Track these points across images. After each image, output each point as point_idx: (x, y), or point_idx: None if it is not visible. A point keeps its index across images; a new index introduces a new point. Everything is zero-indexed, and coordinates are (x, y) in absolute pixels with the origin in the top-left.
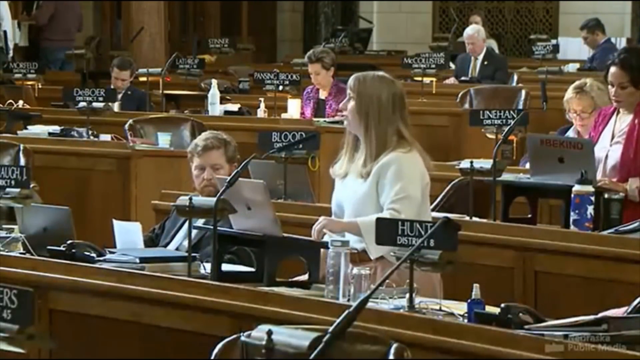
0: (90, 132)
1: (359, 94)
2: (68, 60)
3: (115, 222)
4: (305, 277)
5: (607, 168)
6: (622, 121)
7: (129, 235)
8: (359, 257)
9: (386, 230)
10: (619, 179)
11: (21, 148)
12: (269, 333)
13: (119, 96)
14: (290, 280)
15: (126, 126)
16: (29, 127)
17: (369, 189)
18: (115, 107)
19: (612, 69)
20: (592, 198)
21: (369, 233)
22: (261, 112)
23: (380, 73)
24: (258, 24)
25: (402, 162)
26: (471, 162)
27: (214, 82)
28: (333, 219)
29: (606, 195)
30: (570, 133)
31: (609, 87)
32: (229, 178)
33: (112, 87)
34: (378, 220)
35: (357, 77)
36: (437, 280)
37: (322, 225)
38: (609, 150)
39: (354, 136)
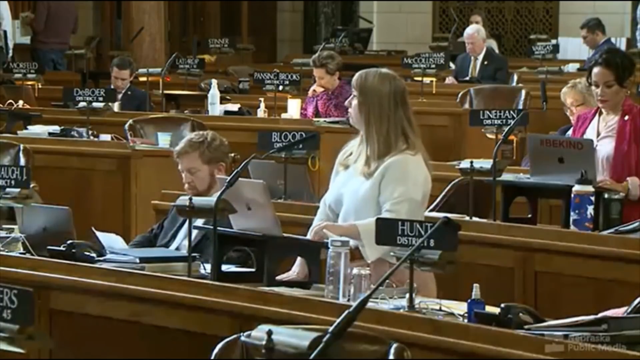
0: (90, 132)
1: (360, 91)
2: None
3: (98, 233)
4: (289, 274)
5: (598, 162)
6: (606, 120)
7: (114, 244)
8: (355, 255)
9: (386, 230)
10: (611, 173)
11: (21, 148)
12: (269, 333)
13: (119, 96)
14: (289, 279)
15: (126, 126)
16: (29, 127)
17: (371, 189)
18: (115, 107)
19: (597, 69)
20: (592, 198)
21: (367, 237)
22: (261, 112)
23: (384, 70)
24: (258, 24)
25: (409, 164)
26: (471, 162)
27: (214, 82)
28: (334, 224)
29: (606, 195)
30: (570, 133)
31: (593, 87)
32: (229, 178)
33: (112, 87)
34: (378, 220)
35: (360, 74)
36: (430, 279)
37: (323, 228)
38: (597, 144)
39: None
